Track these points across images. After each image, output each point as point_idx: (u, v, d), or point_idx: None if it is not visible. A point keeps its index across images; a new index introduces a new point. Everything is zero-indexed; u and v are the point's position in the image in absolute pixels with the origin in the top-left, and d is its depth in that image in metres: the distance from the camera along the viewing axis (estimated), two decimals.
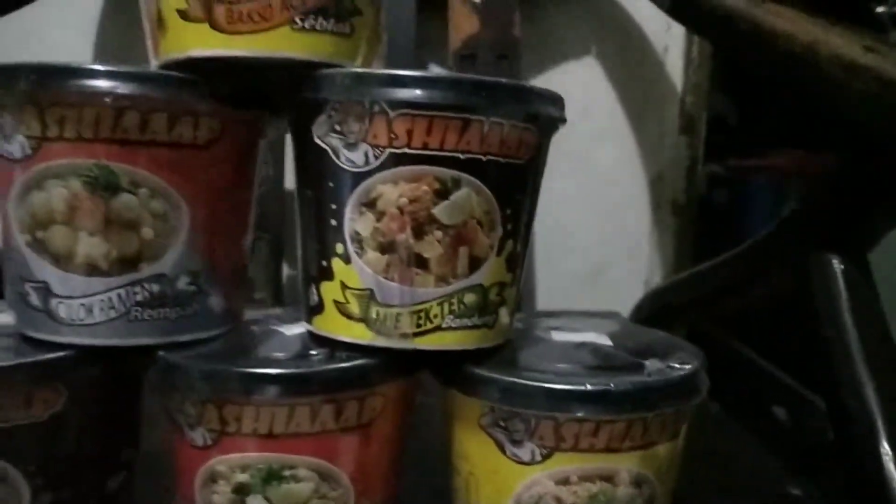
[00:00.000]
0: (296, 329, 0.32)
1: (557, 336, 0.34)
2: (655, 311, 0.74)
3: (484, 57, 0.86)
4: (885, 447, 0.40)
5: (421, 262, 0.28)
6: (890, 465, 0.39)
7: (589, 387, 0.27)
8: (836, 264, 0.46)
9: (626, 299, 0.89)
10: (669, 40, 0.91)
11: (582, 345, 0.33)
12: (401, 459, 0.32)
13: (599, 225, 0.92)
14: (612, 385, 0.28)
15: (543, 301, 0.88)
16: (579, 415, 0.27)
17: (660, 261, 0.95)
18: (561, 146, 0.99)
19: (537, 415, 0.28)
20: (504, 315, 0.31)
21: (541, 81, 0.91)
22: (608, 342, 0.33)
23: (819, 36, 0.45)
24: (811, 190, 0.49)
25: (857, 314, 0.45)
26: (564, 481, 0.28)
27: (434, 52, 0.86)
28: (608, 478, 0.29)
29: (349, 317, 0.29)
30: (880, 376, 0.43)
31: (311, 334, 0.31)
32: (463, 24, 0.85)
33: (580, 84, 0.92)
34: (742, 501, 0.41)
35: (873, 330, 0.44)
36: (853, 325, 0.44)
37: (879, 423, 0.41)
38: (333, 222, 0.29)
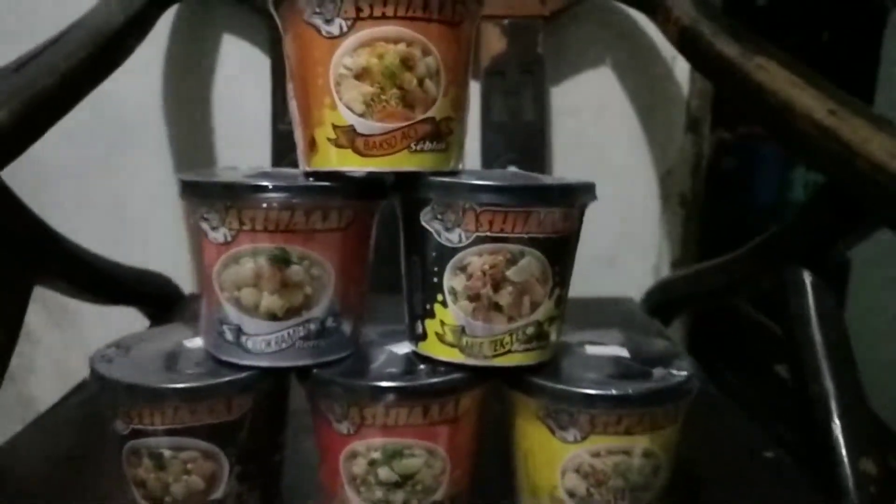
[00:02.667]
0: (402, 349, 0.45)
1: (590, 350, 0.46)
2: (662, 300, 0.86)
3: (511, 73, 0.97)
4: (837, 422, 0.53)
5: (497, 308, 0.41)
6: (839, 435, 0.52)
7: (614, 392, 0.40)
8: (806, 276, 0.59)
9: (637, 283, 1.02)
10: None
11: (608, 358, 0.45)
12: (479, 441, 0.45)
13: (614, 216, 1.04)
14: (630, 390, 0.40)
15: None
16: (608, 411, 0.40)
17: (667, 248, 1.07)
18: (581, 145, 1.11)
19: (578, 410, 0.41)
20: (553, 338, 0.43)
21: (562, 89, 1.03)
22: (627, 354, 0.46)
23: (794, 95, 0.57)
24: (791, 216, 0.61)
25: (820, 318, 0.57)
26: (597, 454, 0.41)
27: None
28: (627, 452, 0.41)
29: (446, 344, 0.42)
30: (837, 368, 0.55)
31: (416, 354, 0.44)
32: (492, 43, 0.96)
33: (596, 90, 1.03)
34: (722, 464, 0.54)
35: (833, 331, 0.57)
36: (817, 326, 0.57)
37: (833, 404, 0.54)
38: (435, 279, 0.41)
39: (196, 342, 0.46)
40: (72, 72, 0.61)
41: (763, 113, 0.60)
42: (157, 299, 0.86)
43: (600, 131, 1.05)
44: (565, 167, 1.02)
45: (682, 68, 1.03)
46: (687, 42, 0.72)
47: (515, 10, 0.95)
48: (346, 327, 0.44)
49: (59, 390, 0.67)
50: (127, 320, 0.85)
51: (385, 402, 0.40)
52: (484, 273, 0.40)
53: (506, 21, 0.95)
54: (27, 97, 0.56)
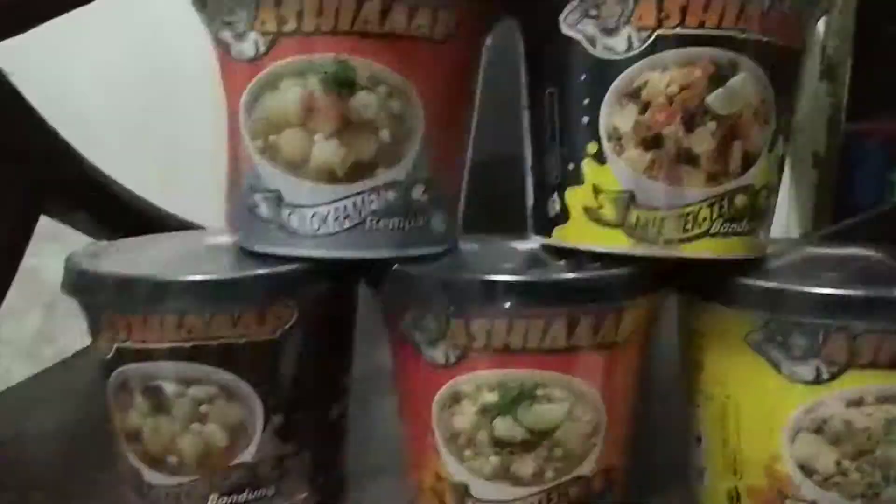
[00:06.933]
0: (526, 245, 0.30)
1: (816, 251, 0.30)
2: None
3: None
4: None
5: (691, 159, 0.25)
6: None
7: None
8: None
9: None
10: None
11: (847, 257, 0.29)
12: (641, 386, 0.29)
13: None
14: None
15: None
16: (879, 326, 0.24)
17: (797, 215, 0.89)
18: None
19: (827, 325, 0.24)
20: (769, 222, 0.27)
21: None
22: (874, 254, 0.29)
23: None
24: None
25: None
26: (857, 403, 0.25)
27: None
28: None
29: (603, 224, 0.26)
30: None
31: (546, 247, 0.29)
32: None
33: None
34: None
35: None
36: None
37: None
38: (585, 119, 0.26)
39: (222, 238, 0.31)
40: None
41: None
42: None
43: None
44: None
45: None
46: None
47: None
48: (440, 212, 0.29)
49: None
50: None
51: (508, 310, 0.25)
52: (670, 100, 0.25)
53: None
54: None
